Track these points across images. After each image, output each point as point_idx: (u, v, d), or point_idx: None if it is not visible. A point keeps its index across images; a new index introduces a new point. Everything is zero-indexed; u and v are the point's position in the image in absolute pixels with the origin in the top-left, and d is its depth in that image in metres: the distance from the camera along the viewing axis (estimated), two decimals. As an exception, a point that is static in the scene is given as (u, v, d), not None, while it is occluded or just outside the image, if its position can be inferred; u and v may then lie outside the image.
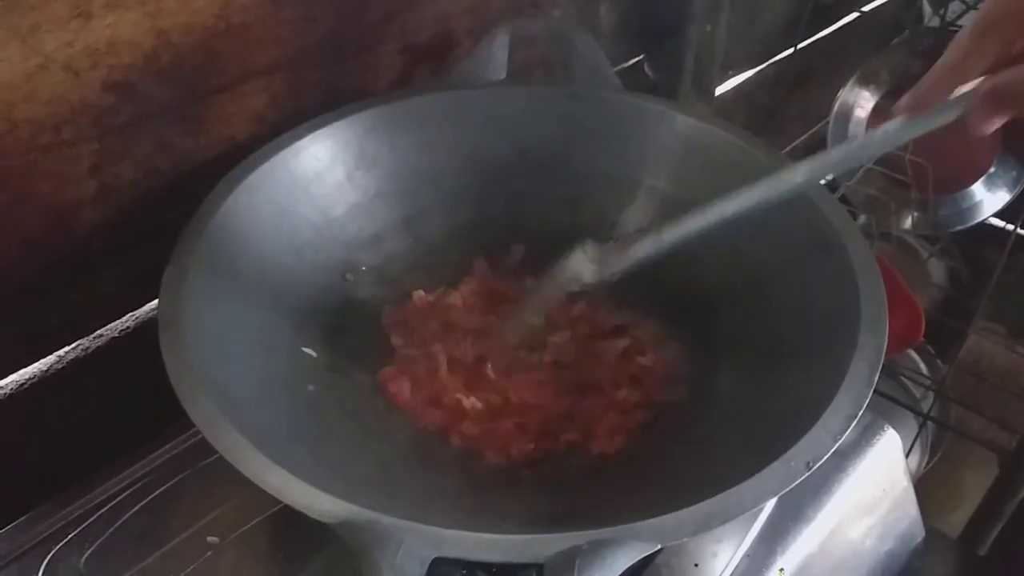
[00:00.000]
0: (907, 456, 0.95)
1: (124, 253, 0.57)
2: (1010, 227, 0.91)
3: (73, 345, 0.57)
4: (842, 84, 1.08)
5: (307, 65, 0.62)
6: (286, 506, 0.36)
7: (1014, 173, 1.02)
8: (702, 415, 0.50)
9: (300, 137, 0.57)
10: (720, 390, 0.51)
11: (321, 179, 0.58)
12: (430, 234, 0.62)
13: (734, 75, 1.10)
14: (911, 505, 0.61)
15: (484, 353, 0.57)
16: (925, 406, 0.98)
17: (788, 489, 0.37)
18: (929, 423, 0.96)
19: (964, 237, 1.08)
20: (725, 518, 0.36)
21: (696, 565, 0.49)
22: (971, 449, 0.94)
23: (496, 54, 0.63)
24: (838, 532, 0.54)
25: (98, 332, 0.58)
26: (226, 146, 0.59)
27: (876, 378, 0.42)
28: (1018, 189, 1.00)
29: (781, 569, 0.50)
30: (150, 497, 0.51)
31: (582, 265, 0.51)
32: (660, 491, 0.42)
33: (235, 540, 0.49)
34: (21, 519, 0.51)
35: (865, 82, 1.07)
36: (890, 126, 0.44)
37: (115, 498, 0.51)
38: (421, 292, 0.60)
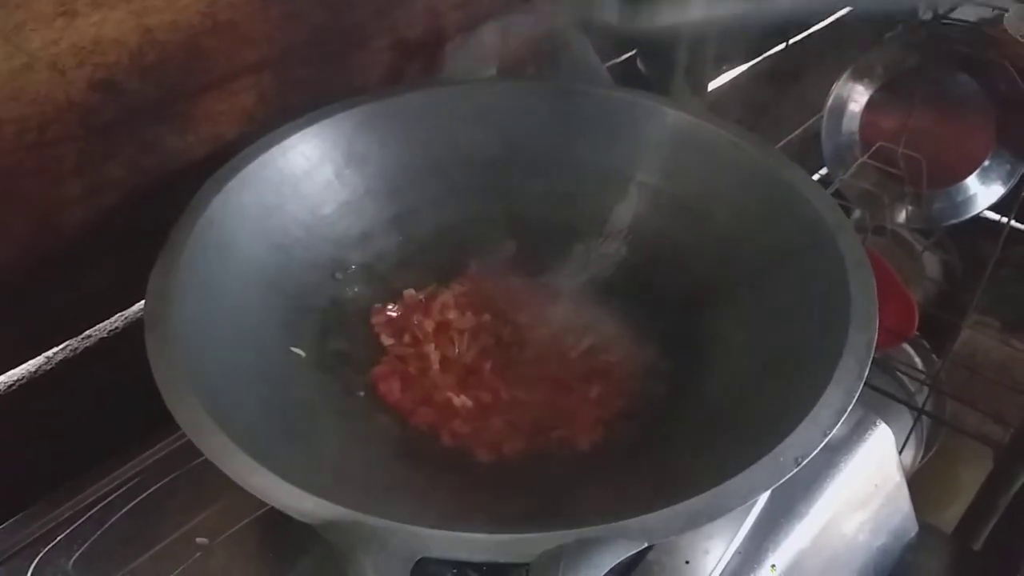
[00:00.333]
0: (902, 451, 0.95)
1: (112, 253, 0.56)
2: (1004, 220, 0.91)
3: (62, 346, 0.57)
4: (836, 78, 1.07)
5: (296, 62, 0.61)
6: (274, 507, 0.36)
7: (1008, 166, 1.01)
8: (691, 411, 0.50)
9: (289, 135, 0.57)
10: (709, 386, 0.51)
11: (310, 177, 0.58)
12: (420, 232, 0.62)
13: (727, 70, 1.10)
14: (904, 500, 0.61)
15: (476, 351, 0.57)
16: (920, 400, 0.98)
17: (777, 485, 0.37)
18: (924, 417, 0.96)
19: (958, 231, 1.08)
20: (713, 515, 0.36)
21: (687, 562, 0.49)
22: (966, 443, 0.94)
23: (486, 50, 0.63)
24: (830, 528, 0.54)
25: (87, 333, 0.58)
26: (214, 144, 0.58)
27: (866, 373, 0.42)
28: (1012, 182, 1.00)
29: (773, 565, 0.50)
30: (139, 499, 0.51)
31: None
32: (649, 489, 0.42)
33: (224, 541, 0.48)
34: (9, 521, 0.50)
35: (859, 76, 1.07)
36: None
37: (104, 500, 0.51)
38: (411, 290, 0.60)
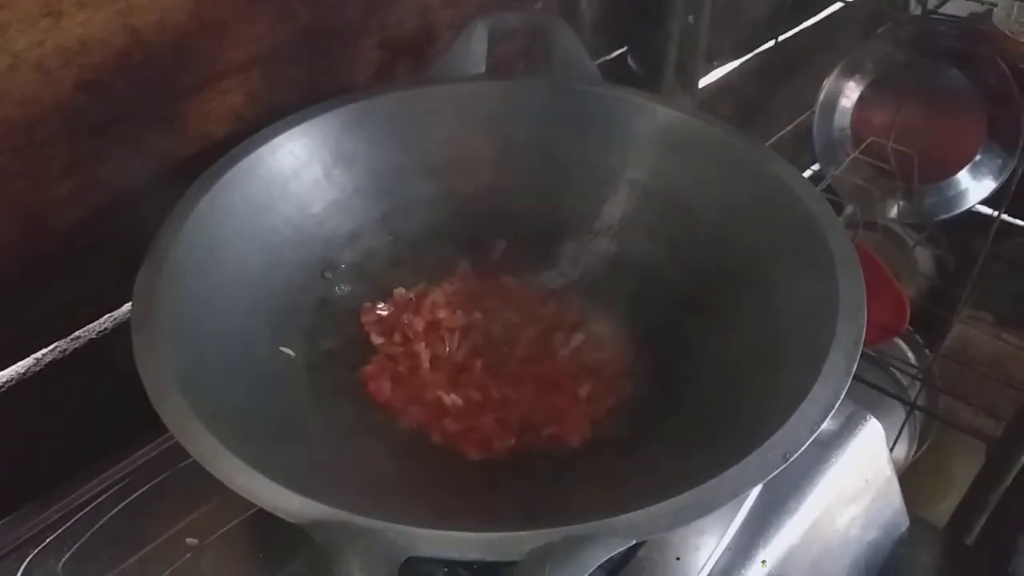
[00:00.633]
0: (894, 445, 0.96)
1: (101, 254, 0.56)
2: (995, 214, 0.91)
3: (51, 347, 0.57)
4: (827, 74, 1.07)
5: (284, 61, 0.61)
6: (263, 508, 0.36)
7: (999, 161, 1.01)
8: (679, 409, 0.50)
9: (277, 134, 0.57)
10: (698, 383, 0.51)
11: (299, 176, 0.57)
12: (409, 230, 0.62)
13: (718, 66, 1.10)
14: (895, 495, 0.61)
15: (466, 350, 0.57)
16: (912, 395, 0.98)
17: (765, 481, 0.37)
18: (917, 412, 0.96)
19: (950, 225, 1.08)
20: (701, 512, 0.36)
21: (678, 559, 0.49)
22: (958, 437, 0.94)
23: (476, 48, 0.63)
24: (821, 523, 0.54)
25: (76, 334, 0.58)
26: (203, 144, 0.58)
27: (853, 369, 0.42)
28: (1003, 177, 1.00)
29: (763, 561, 0.50)
30: (129, 500, 0.51)
31: None
32: (638, 486, 0.42)
33: (214, 542, 0.48)
34: (-2, 523, 0.50)
35: (850, 72, 1.07)
36: None
37: (94, 501, 0.51)
38: (401, 289, 0.60)
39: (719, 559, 0.50)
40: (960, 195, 1.04)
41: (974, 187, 1.04)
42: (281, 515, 0.35)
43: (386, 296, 0.59)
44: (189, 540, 0.48)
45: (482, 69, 0.63)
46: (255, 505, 0.36)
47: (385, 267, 0.61)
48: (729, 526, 0.51)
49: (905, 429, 0.98)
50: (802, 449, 0.38)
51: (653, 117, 0.61)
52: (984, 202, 1.02)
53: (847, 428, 0.58)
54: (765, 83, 1.18)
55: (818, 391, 0.40)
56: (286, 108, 0.59)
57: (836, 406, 0.40)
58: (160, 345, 0.42)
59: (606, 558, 0.34)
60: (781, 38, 1.04)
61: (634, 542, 0.35)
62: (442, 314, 0.58)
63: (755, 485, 0.37)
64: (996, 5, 0.98)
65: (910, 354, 1.14)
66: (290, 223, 0.57)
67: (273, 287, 0.54)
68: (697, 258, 0.57)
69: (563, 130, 0.63)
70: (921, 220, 1.08)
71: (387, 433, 0.51)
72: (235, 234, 0.53)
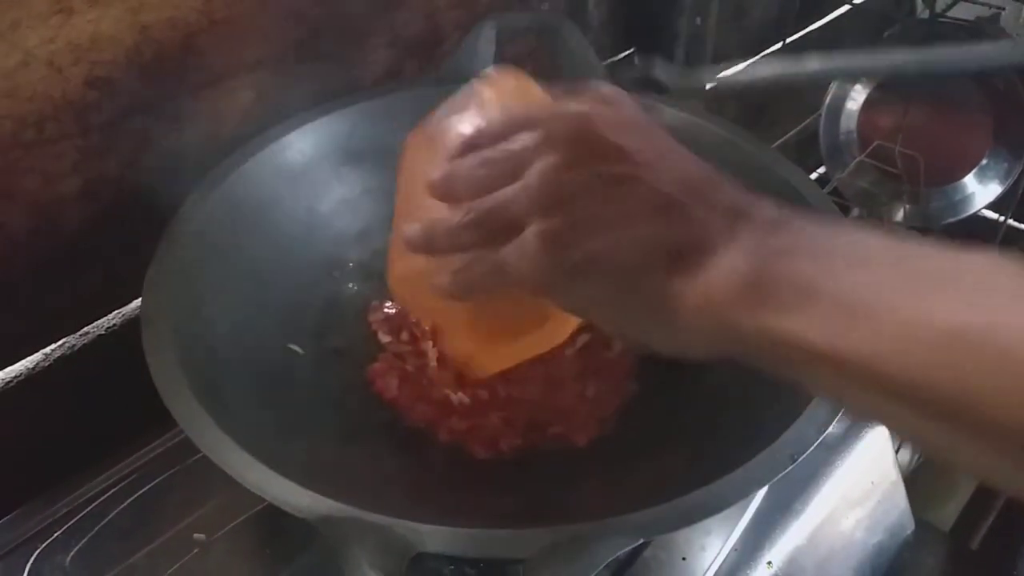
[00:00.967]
0: (899, 448, 0.96)
1: (110, 250, 0.56)
2: (1002, 219, 0.91)
3: (59, 343, 0.57)
4: (834, 77, 1.07)
5: (293, 60, 0.61)
6: (272, 503, 0.36)
7: (1006, 165, 1.01)
8: (687, 408, 0.50)
9: (286, 132, 0.57)
10: (705, 383, 0.51)
11: (307, 175, 0.58)
12: (418, 229, 0.62)
13: (726, 68, 1.10)
14: (900, 497, 0.61)
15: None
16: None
17: (772, 482, 0.37)
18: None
19: (956, 229, 1.08)
20: (708, 512, 0.36)
21: (684, 559, 0.49)
22: (963, 441, 0.94)
23: (483, 48, 0.63)
24: (827, 525, 0.54)
25: (85, 330, 0.58)
26: (211, 142, 0.58)
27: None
28: (1010, 181, 1.00)
29: (769, 562, 0.50)
30: (136, 495, 0.51)
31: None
32: (644, 485, 0.42)
33: (222, 537, 0.49)
34: (6, 518, 0.51)
35: (857, 75, 1.07)
36: None
37: (101, 496, 0.51)
38: (409, 288, 0.60)
39: (725, 559, 0.50)
40: (966, 199, 1.04)
41: (980, 191, 1.03)
42: (291, 510, 0.35)
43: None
44: (197, 535, 0.48)
45: (490, 69, 0.63)
46: (263, 501, 0.36)
47: (393, 266, 0.61)
48: (735, 527, 0.51)
49: (910, 432, 0.97)
50: (810, 450, 0.38)
51: (660, 118, 0.61)
52: (990, 207, 1.02)
53: (853, 430, 0.58)
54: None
55: (826, 392, 0.40)
56: (295, 107, 0.59)
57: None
58: (170, 341, 0.42)
59: (613, 557, 0.34)
60: (788, 40, 1.04)
61: (641, 541, 0.35)
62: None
63: (763, 486, 0.38)
64: (1004, 9, 0.98)
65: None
66: (299, 221, 0.57)
67: (281, 284, 0.54)
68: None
69: (571, 130, 0.63)
70: (927, 224, 1.07)
71: (394, 431, 0.51)
72: (244, 232, 0.53)
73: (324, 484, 0.36)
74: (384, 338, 0.57)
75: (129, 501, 0.50)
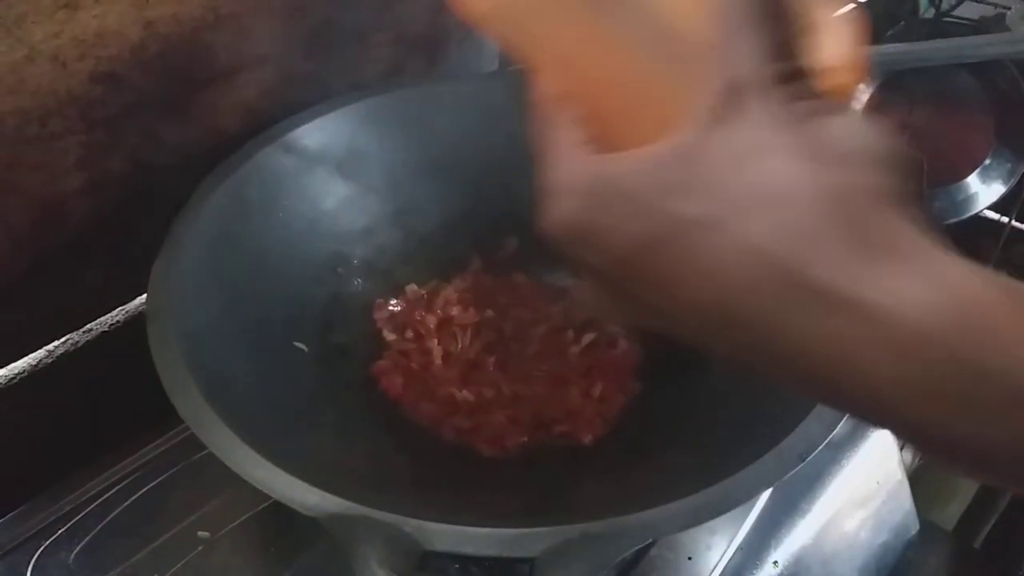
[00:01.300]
0: (903, 448, 0.95)
1: (113, 246, 0.56)
2: (1005, 219, 0.91)
3: (63, 340, 0.57)
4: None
5: (298, 56, 0.61)
6: (276, 501, 0.35)
7: (1009, 165, 1.01)
8: (694, 407, 0.50)
9: (291, 129, 0.57)
10: (712, 381, 0.51)
11: (312, 172, 0.57)
12: (422, 227, 0.62)
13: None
14: (905, 497, 0.61)
15: (478, 346, 0.57)
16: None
17: (781, 481, 0.37)
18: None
19: (959, 230, 1.08)
20: (717, 511, 0.35)
21: (690, 558, 0.49)
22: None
23: (488, 45, 0.63)
24: (832, 525, 0.54)
25: (88, 326, 0.58)
26: (216, 138, 0.58)
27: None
28: (1013, 181, 1.00)
29: (775, 562, 0.50)
30: (140, 492, 0.51)
31: None
32: (651, 484, 0.42)
33: (226, 535, 0.48)
34: (10, 515, 0.50)
35: (860, 74, 1.06)
36: None
37: (105, 493, 0.51)
38: (413, 285, 0.60)
39: (731, 559, 0.49)
40: (969, 199, 1.04)
41: (983, 191, 1.03)
42: (299, 508, 0.35)
43: (398, 292, 0.59)
44: (201, 533, 0.48)
45: (494, 67, 0.63)
46: (267, 499, 0.36)
47: (397, 263, 0.61)
48: (741, 526, 0.51)
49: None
50: (818, 449, 0.38)
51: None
52: (994, 208, 1.02)
53: (859, 430, 0.58)
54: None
55: (834, 391, 0.40)
56: (299, 104, 0.59)
57: (852, 406, 0.40)
58: (175, 337, 0.42)
59: (622, 556, 0.34)
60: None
61: (650, 540, 0.35)
62: (454, 311, 0.58)
63: (771, 485, 0.37)
64: (1009, 8, 0.98)
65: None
66: (303, 218, 0.57)
67: (286, 281, 0.54)
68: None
69: (576, 128, 0.63)
70: (930, 224, 1.07)
71: (399, 428, 0.51)
72: (249, 228, 0.53)
73: (329, 481, 0.36)
74: (389, 336, 0.57)
75: (133, 498, 0.50)
